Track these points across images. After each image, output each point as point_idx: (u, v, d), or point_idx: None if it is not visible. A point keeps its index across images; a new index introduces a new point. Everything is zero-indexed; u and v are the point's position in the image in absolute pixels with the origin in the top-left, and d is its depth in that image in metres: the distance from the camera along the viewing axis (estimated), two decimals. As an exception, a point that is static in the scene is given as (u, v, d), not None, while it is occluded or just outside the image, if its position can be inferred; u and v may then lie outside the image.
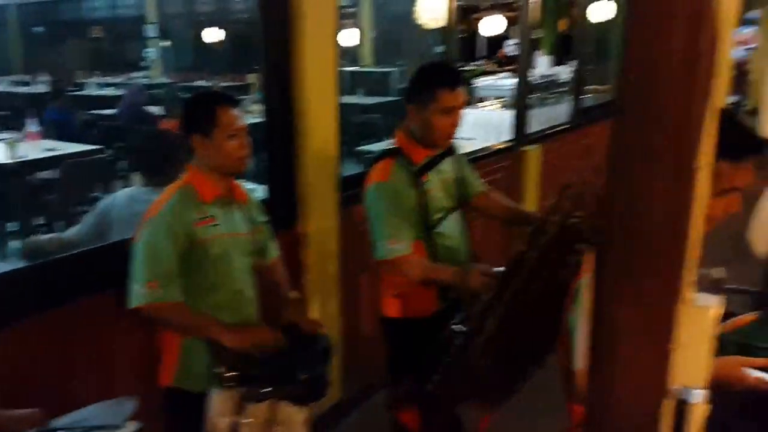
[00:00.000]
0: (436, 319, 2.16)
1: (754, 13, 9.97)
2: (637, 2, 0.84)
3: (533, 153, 4.84)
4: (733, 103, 8.38)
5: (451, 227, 2.32)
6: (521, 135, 4.94)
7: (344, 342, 3.07)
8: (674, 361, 0.94)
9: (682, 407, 0.96)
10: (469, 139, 5.10)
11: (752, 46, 9.70)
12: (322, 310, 2.96)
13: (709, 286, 1.90)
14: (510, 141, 4.91)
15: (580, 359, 0.99)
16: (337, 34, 2.91)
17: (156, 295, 1.91)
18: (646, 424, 0.96)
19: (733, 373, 1.50)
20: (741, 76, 9.11)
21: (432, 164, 2.27)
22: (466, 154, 4.33)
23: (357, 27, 9.86)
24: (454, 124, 2.20)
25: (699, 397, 0.97)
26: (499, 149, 4.77)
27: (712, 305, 0.96)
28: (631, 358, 0.93)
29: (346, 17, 9.82)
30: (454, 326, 2.02)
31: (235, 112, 2.02)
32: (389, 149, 2.29)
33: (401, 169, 2.20)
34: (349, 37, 9.33)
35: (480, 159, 4.46)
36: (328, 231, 2.98)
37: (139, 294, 1.93)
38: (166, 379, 2.09)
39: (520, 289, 1.73)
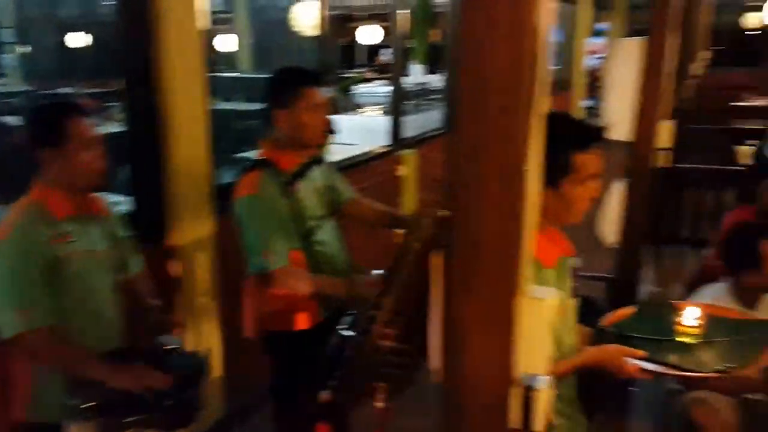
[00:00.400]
0: (321, 328, 2.15)
1: (604, 25, 10.77)
2: (465, 15, 0.89)
3: (409, 156, 4.97)
4: (588, 108, 8.98)
5: (327, 235, 2.32)
6: (398, 140, 5.06)
7: (225, 356, 3.00)
8: (518, 351, 1.00)
9: (528, 393, 1.03)
10: (350, 144, 5.17)
11: (603, 54, 10.44)
12: (199, 324, 2.88)
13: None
14: (388, 146, 5.01)
15: (435, 357, 1.03)
16: (202, 37, 2.85)
17: (29, 322, 1.79)
18: (497, 412, 1.01)
19: (614, 361, 1.61)
20: (594, 82, 9.79)
21: (302, 172, 2.26)
22: (345, 159, 4.44)
23: (234, 32, 9.68)
24: (324, 122, 2.22)
25: (543, 382, 1.04)
26: (378, 154, 4.86)
27: (549, 296, 1.03)
28: (478, 351, 0.98)
29: (221, 22, 9.61)
30: (342, 332, 2.02)
31: (88, 121, 1.92)
32: (256, 161, 2.25)
33: (271, 180, 2.18)
34: (226, 43, 9.16)
35: (360, 163, 4.53)
36: (203, 242, 2.91)
37: (11, 323, 1.79)
38: (19, 412, 1.94)
39: (405, 284, 1.76)
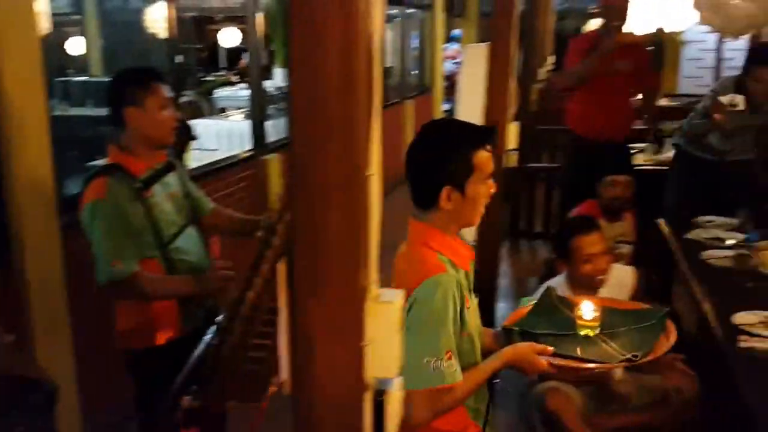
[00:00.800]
0: (186, 340, 2.07)
1: (457, 31, 11.25)
2: (295, 25, 0.88)
3: (274, 161, 4.91)
4: (446, 111, 9.32)
5: (188, 243, 2.25)
6: (261, 144, 4.98)
7: (81, 379, 2.82)
8: (368, 355, 1.00)
9: (380, 397, 1.04)
10: (211, 149, 5.03)
11: (458, 60, 10.89)
12: (51, 349, 2.68)
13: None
14: (251, 150, 4.93)
15: (284, 368, 1.01)
16: (42, 40, 2.66)
17: None
18: (350, 418, 1.01)
19: (527, 359, 1.65)
20: (452, 86, 10.20)
21: (155, 177, 2.19)
22: (206, 164, 4.31)
23: (83, 35, 9.10)
24: (174, 119, 2.20)
25: (394, 385, 1.05)
26: (241, 159, 4.77)
27: (396, 299, 1.04)
28: (327, 357, 0.97)
29: (69, 24, 9.01)
30: (210, 341, 1.96)
31: None
32: (103, 166, 2.16)
33: (120, 185, 2.09)
34: (75, 46, 8.62)
35: (222, 169, 4.43)
36: (50, 260, 2.71)
37: None
38: None
39: (265, 283, 1.73)
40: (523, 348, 1.67)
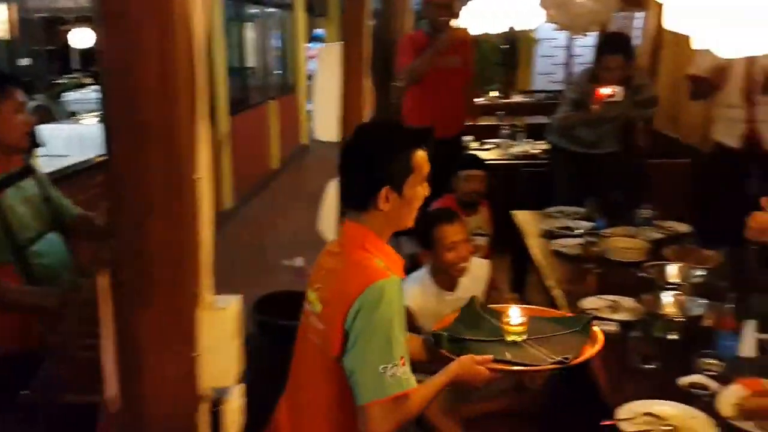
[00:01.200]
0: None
1: (320, 31, 11.26)
2: (108, 28, 0.83)
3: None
4: (310, 111, 9.31)
5: (48, 247, 2.20)
6: (116, 149, 4.74)
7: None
8: (203, 364, 0.97)
9: (217, 407, 1.01)
10: (61, 155, 4.73)
11: (322, 59, 10.85)
12: None
13: (294, 275, 2.04)
14: (105, 155, 4.68)
15: (110, 384, 0.96)
16: None
17: None
18: (184, 431, 0.98)
19: (471, 371, 1.63)
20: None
21: (9, 181, 2.14)
22: (56, 171, 4.02)
23: None
24: (28, 123, 2.16)
25: (232, 394, 1.02)
26: (95, 164, 4.52)
27: (232, 305, 1.02)
28: (158, 369, 0.93)
29: None
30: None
31: None
32: None
33: None
34: None
35: (74, 175, 4.18)
36: None
37: None
38: None
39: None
40: (465, 360, 1.67)
